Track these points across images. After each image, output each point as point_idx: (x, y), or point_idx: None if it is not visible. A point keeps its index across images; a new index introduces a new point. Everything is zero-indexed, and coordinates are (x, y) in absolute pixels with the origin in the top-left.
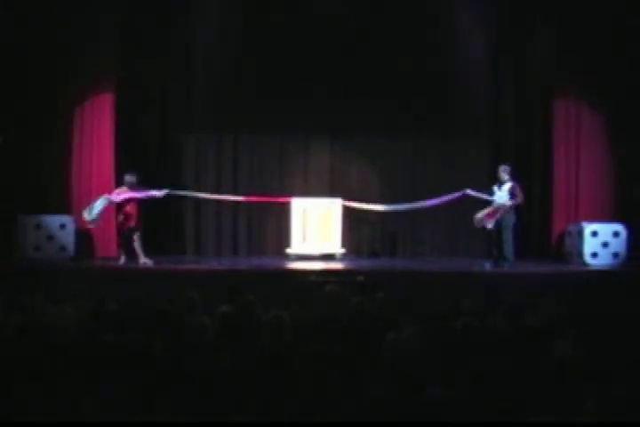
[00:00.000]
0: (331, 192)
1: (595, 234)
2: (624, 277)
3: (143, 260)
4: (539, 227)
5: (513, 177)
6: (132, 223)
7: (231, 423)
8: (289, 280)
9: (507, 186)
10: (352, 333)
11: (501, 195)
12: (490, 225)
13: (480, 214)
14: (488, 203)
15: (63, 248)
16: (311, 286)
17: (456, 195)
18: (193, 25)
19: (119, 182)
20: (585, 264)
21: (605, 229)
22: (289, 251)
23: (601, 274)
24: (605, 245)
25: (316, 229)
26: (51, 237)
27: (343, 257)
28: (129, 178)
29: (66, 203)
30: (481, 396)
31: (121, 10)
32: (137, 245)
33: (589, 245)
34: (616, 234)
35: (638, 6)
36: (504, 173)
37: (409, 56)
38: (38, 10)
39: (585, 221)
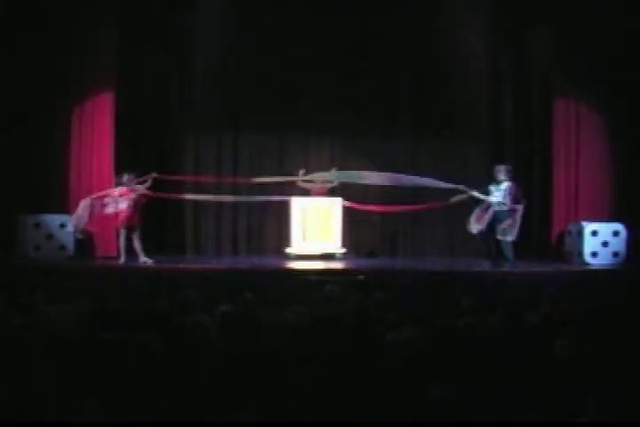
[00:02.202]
0: (330, 192)
1: (595, 233)
2: (624, 276)
3: (143, 259)
4: (539, 226)
5: (510, 177)
6: (131, 222)
7: (231, 423)
8: (289, 280)
9: (503, 186)
10: (352, 332)
11: (498, 195)
12: (475, 230)
13: (472, 219)
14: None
15: (63, 247)
16: (311, 285)
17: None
18: (193, 24)
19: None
20: (585, 264)
21: (605, 229)
22: (289, 250)
23: (601, 273)
24: (605, 244)
25: (316, 228)
26: (50, 237)
27: (343, 257)
28: (128, 177)
29: (65, 202)
30: (481, 396)
31: (121, 9)
32: (136, 244)
33: (589, 245)
34: (616, 233)
35: (638, 6)
36: (500, 172)
37: (409, 56)
38: (38, 9)
39: (585, 221)
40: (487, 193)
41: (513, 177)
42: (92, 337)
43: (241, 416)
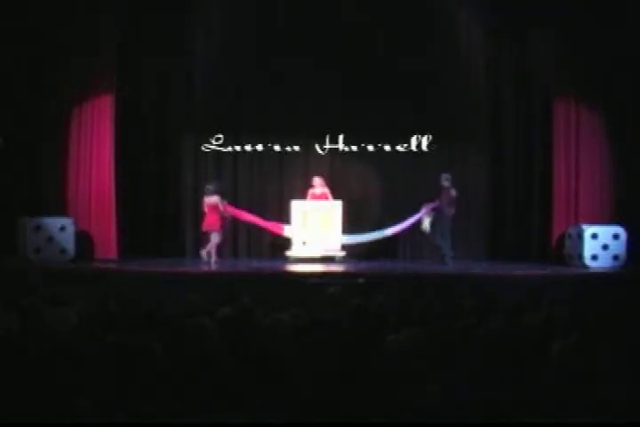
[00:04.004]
0: (331, 195)
1: (595, 236)
2: (624, 279)
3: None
4: (539, 229)
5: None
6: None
7: (231, 424)
8: (289, 282)
9: (442, 192)
10: (352, 335)
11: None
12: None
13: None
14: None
15: (63, 250)
16: (311, 288)
17: (418, 215)
18: (193, 25)
19: (119, 184)
20: (585, 266)
21: (605, 232)
22: (289, 253)
23: (601, 276)
24: (605, 247)
25: (316, 231)
26: (51, 239)
27: (343, 260)
28: (214, 187)
29: (66, 205)
30: (481, 396)
31: (121, 10)
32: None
33: (589, 248)
34: (616, 236)
35: (638, 6)
36: (445, 181)
37: (409, 57)
38: (38, 10)
39: (585, 224)
40: None
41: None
42: (92, 339)
43: (240, 417)
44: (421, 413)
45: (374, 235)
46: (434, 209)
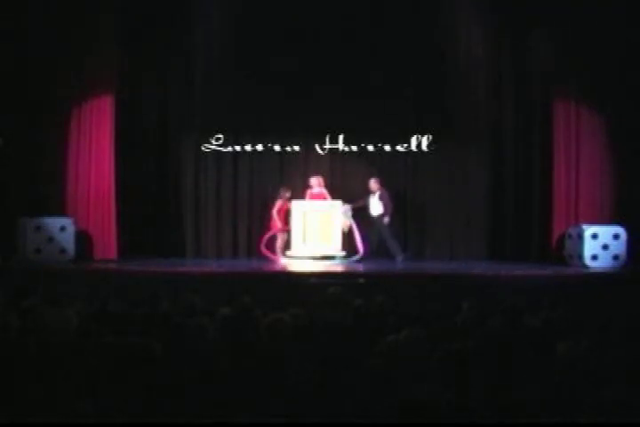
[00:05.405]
0: (331, 195)
1: (595, 236)
2: (624, 279)
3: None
4: (539, 229)
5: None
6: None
7: (231, 424)
8: (289, 283)
9: (377, 194)
10: (352, 335)
11: (374, 203)
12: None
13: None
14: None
15: (63, 250)
16: (311, 288)
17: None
18: (193, 25)
19: (119, 184)
20: (585, 267)
21: (605, 232)
22: (289, 253)
23: (601, 276)
24: (605, 247)
25: (316, 231)
26: (51, 240)
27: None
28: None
29: (66, 205)
30: (480, 396)
31: (121, 10)
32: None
33: (589, 248)
34: (616, 236)
35: (638, 6)
36: (375, 184)
37: (409, 57)
38: (38, 9)
39: (585, 224)
40: (367, 203)
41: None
42: (92, 339)
43: (241, 417)
44: (421, 413)
45: (354, 258)
46: (383, 215)
